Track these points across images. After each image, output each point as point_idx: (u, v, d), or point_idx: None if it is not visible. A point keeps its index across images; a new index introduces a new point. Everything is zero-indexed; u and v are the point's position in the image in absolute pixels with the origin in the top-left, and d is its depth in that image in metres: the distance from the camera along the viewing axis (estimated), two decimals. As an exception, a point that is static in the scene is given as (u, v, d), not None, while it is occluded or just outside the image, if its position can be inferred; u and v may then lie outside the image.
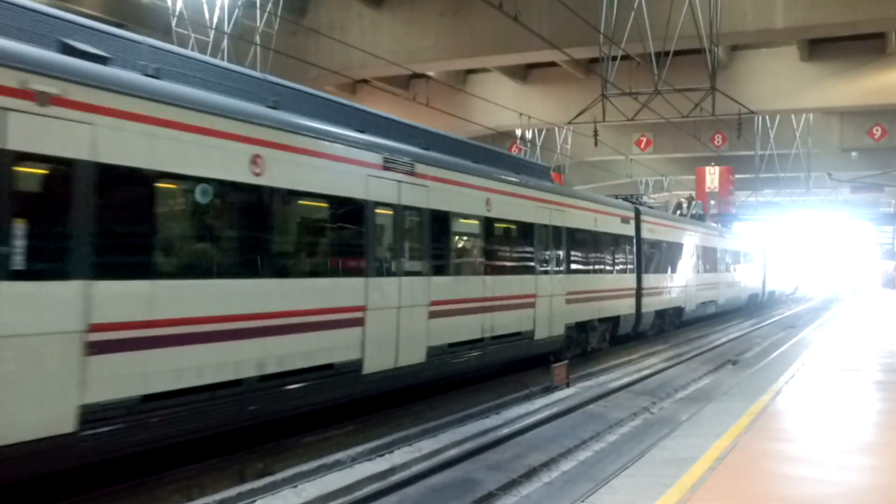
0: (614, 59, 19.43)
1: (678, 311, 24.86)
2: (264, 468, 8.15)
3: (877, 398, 10.75)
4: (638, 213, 20.99)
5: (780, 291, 48.34)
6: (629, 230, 19.90)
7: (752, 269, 37.33)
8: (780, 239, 48.99)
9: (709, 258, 28.66)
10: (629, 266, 19.69)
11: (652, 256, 21.83)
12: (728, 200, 39.77)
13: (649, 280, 21.24)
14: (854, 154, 38.00)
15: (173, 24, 21.00)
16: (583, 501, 6.31)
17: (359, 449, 8.94)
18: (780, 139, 35.37)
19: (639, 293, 20.31)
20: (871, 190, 41.07)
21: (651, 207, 24.82)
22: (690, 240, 26.40)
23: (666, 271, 23.21)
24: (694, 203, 35.68)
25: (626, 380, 15.09)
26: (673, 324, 24.69)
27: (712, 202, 38.50)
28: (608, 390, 13.78)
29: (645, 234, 21.16)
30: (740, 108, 20.78)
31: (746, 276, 35.99)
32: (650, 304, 21.33)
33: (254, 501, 7.21)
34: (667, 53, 18.98)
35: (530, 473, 8.68)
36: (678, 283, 24.42)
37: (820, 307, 45.39)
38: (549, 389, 13.50)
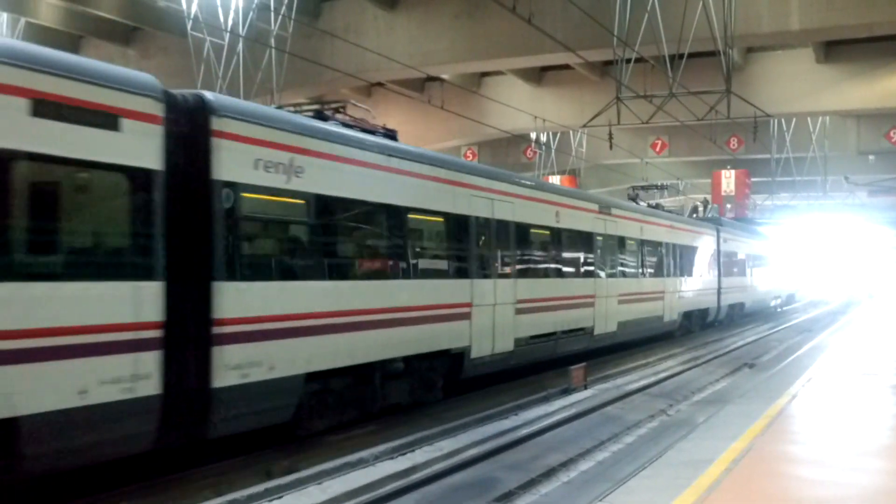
0: (629, 61, 19.47)
1: (452, 359, 11.89)
2: (290, 466, 8.32)
3: (894, 402, 10.76)
4: (316, 127, 9.48)
5: (756, 304, 34.17)
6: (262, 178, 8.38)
7: (690, 272, 24.25)
8: (751, 228, 35.74)
9: (574, 254, 16.25)
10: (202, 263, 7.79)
11: (352, 241, 10.11)
12: (744, 204, 39.65)
13: (349, 294, 9.54)
14: (871, 157, 37.80)
15: (189, 27, 21.26)
16: (600, 501, 6.39)
17: (381, 448, 9.09)
18: (796, 142, 35.26)
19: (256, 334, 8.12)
20: (888, 193, 40.82)
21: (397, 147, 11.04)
22: (521, 213, 13.82)
23: (440, 273, 11.65)
24: (710, 206, 35.64)
25: (643, 382, 15.14)
26: (432, 383, 11.69)
27: (728, 206, 38.40)
28: (625, 392, 13.85)
29: (325, 192, 9.23)
30: (756, 110, 20.78)
31: (677, 283, 22.66)
32: (326, 354, 9.11)
33: (281, 497, 7.36)
34: (681, 56, 19.01)
35: (549, 473, 8.78)
36: (448, 299, 11.62)
37: (837, 311, 45.13)
38: (567, 391, 13.59)
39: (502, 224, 13.24)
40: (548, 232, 15.09)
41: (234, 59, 21.51)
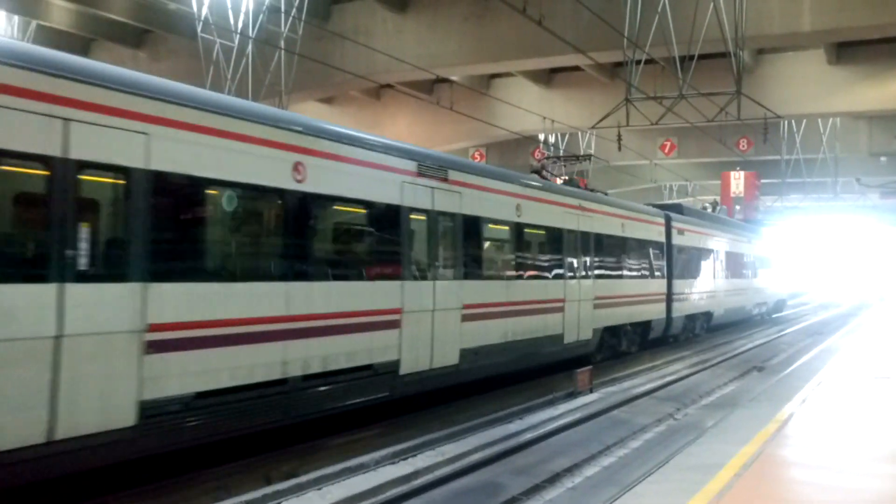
0: (638, 63, 19.35)
1: None
2: (290, 471, 8.25)
3: (906, 406, 10.60)
4: None
5: (729, 312, 27.88)
6: None
7: (618, 272, 17.92)
8: (725, 220, 29.73)
9: (353, 244, 10.32)
10: None
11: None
12: (753, 205, 39.46)
13: None
14: (883, 159, 37.57)
15: (199, 29, 21.30)
16: (607, 506, 6.29)
17: (383, 452, 8.99)
18: (806, 144, 35.07)
19: None
20: (900, 195, 40.55)
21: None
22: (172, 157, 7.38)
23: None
24: (719, 208, 35.46)
25: (650, 385, 15.00)
26: None
27: (737, 207, 38.22)
28: (632, 396, 13.72)
29: None
30: (766, 112, 20.61)
31: (590, 288, 16.26)
32: None
33: (279, 503, 7.29)
34: (691, 57, 18.88)
35: (554, 478, 8.67)
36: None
37: (847, 314, 44.81)
38: (572, 395, 13.47)
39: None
40: (271, 199, 8.55)
41: (244, 61, 21.54)
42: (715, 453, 7.60)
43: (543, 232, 14.59)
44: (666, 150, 34.52)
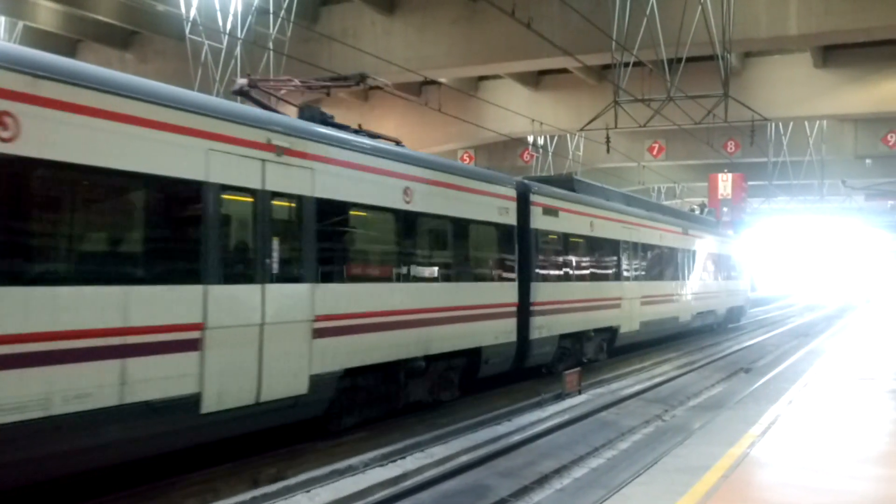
0: (627, 65, 19.45)
1: None
2: (277, 473, 8.21)
3: (892, 407, 10.68)
4: None
5: (650, 327, 20.72)
6: None
7: (397, 267, 10.54)
8: (644, 202, 22.94)
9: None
10: None
11: None
12: (741, 207, 39.67)
13: None
14: (868, 161, 37.90)
15: (187, 30, 21.23)
16: (595, 509, 6.30)
17: (371, 455, 8.97)
18: (793, 146, 35.30)
19: None
20: (885, 197, 40.89)
21: None
22: None
23: None
24: (707, 210, 35.63)
25: (637, 387, 15.04)
26: None
27: (725, 209, 38.42)
28: (620, 398, 13.75)
29: None
30: (753, 114, 20.74)
31: (301, 299, 8.70)
32: None
33: (267, 506, 7.26)
34: (679, 60, 18.97)
35: (542, 480, 8.68)
36: None
37: (833, 316, 45.09)
38: (560, 396, 13.48)
39: None
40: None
41: (232, 62, 21.49)
42: (702, 455, 7.63)
43: (141, 189, 7.10)
44: (654, 153, 34.66)
